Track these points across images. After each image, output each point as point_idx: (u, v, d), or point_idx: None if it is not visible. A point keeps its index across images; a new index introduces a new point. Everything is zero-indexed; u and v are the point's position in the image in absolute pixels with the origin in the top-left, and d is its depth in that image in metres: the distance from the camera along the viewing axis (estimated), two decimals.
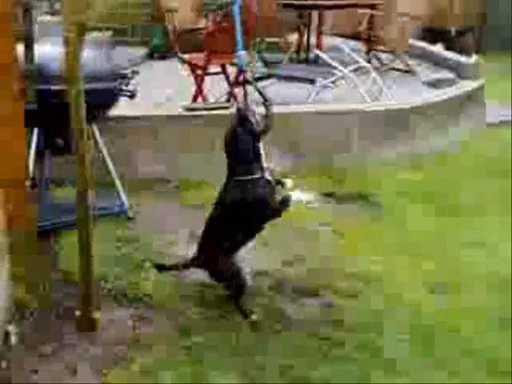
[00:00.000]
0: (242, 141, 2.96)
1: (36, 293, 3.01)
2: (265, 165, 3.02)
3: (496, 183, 4.63)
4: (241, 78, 5.38)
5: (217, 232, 3.06)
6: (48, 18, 5.43)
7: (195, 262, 3.12)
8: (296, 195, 3.24)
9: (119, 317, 2.94)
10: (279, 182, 3.17)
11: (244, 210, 2.96)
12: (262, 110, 3.07)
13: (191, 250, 3.23)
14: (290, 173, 4.64)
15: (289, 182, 3.23)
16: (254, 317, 2.92)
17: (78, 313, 2.87)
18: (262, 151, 3.00)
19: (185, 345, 2.75)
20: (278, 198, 3.08)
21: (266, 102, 3.08)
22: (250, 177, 2.95)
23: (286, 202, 3.08)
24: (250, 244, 3.19)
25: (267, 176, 3.02)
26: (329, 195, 4.40)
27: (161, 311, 2.98)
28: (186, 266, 3.16)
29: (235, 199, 2.97)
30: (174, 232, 3.77)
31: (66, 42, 2.57)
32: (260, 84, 5.75)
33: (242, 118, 2.98)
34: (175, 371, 2.58)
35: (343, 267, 3.45)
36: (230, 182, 3.01)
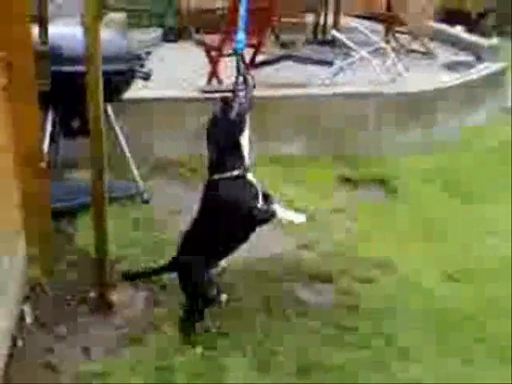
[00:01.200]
0: (220, 131, 2.57)
1: (51, 272, 3.03)
2: (247, 163, 2.62)
3: None
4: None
5: (198, 239, 2.69)
6: None
7: (171, 268, 2.79)
8: (284, 213, 2.67)
9: (133, 298, 2.96)
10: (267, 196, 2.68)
11: (219, 214, 2.59)
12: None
13: None
14: (305, 157, 4.63)
15: (277, 206, 2.64)
16: (214, 329, 2.67)
17: (92, 293, 2.89)
18: (244, 147, 2.60)
19: (198, 328, 2.74)
20: (264, 206, 2.61)
21: (247, 86, 2.75)
22: (227, 174, 2.56)
23: (270, 214, 2.59)
24: (265, 227, 3.14)
25: (249, 176, 2.61)
26: (346, 180, 4.35)
27: (174, 294, 2.98)
28: (158, 272, 2.90)
29: (210, 201, 2.63)
30: (189, 215, 3.76)
31: (84, 22, 2.54)
32: (275, 66, 5.71)
33: (225, 105, 2.60)
34: (188, 355, 2.58)
35: (358, 253, 3.42)
36: (207, 180, 2.64)
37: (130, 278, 2.96)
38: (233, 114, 2.58)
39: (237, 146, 2.59)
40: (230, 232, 2.63)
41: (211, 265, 2.73)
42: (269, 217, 2.61)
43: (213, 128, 2.62)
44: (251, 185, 2.61)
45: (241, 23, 3.12)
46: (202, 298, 2.67)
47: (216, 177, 2.60)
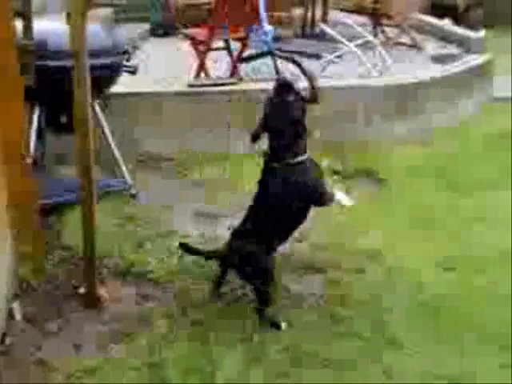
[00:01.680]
0: (285, 114, 2.48)
1: (40, 269, 3.00)
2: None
3: (506, 157, 4.55)
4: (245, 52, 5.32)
5: (260, 226, 2.64)
6: None
7: (225, 257, 2.76)
8: (338, 195, 2.90)
9: (124, 293, 2.94)
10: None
11: (291, 200, 2.57)
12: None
13: (197, 228, 3.21)
14: None
15: (324, 162, 2.88)
16: (283, 325, 2.69)
17: (82, 289, 2.87)
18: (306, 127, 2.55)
19: (188, 321, 2.74)
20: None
21: (306, 74, 2.72)
22: (296, 159, 2.50)
23: (329, 197, 2.69)
24: None
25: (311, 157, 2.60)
26: (336, 172, 4.34)
27: (165, 288, 2.97)
28: (212, 256, 2.87)
29: (281, 189, 2.56)
30: (177, 209, 3.75)
31: (70, 17, 2.51)
32: (264, 60, 5.69)
33: (286, 86, 2.50)
34: (179, 347, 2.57)
35: (349, 243, 3.41)
36: (271, 166, 2.55)
37: (184, 247, 2.84)
38: (306, 97, 2.55)
39: (305, 129, 2.55)
40: (295, 215, 2.65)
41: (272, 251, 2.74)
42: (330, 200, 2.70)
43: (280, 112, 2.53)
44: (318, 167, 2.65)
45: (262, 12, 3.09)
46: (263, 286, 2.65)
47: (291, 161, 2.53)
